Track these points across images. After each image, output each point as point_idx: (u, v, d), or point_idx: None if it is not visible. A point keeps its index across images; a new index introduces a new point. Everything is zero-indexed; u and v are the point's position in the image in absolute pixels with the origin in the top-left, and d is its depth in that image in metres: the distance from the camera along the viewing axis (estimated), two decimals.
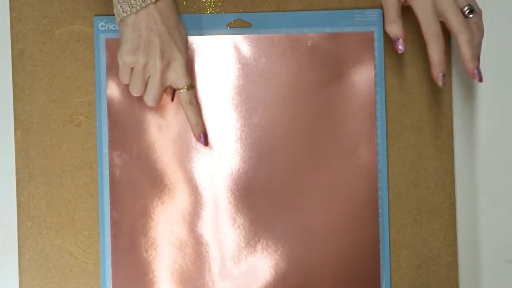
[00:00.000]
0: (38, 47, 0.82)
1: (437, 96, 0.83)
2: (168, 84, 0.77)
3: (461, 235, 0.84)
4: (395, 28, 0.76)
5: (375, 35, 0.82)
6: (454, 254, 0.82)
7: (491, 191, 0.84)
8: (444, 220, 0.82)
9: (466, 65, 0.75)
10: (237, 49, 0.82)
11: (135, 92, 0.77)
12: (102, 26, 0.82)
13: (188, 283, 0.81)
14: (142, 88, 0.76)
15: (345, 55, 0.81)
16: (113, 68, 0.81)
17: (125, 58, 0.75)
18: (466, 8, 0.75)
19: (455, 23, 0.74)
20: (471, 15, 0.75)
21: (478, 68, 0.75)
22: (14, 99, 0.82)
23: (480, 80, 0.75)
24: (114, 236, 0.81)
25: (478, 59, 0.75)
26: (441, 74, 0.75)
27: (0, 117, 0.83)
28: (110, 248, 0.81)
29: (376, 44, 0.82)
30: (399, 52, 0.77)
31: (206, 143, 0.80)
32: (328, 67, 0.82)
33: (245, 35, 0.82)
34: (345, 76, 0.82)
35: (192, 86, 0.77)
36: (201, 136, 0.80)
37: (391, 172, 0.82)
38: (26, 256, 0.81)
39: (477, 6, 0.77)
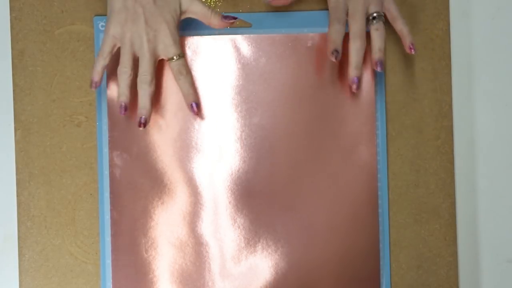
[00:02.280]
0: (38, 47, 0.82)
1: (437, 96, 0.83)
2: (159, 56, 0.77)
3: (461, 235, 0.84)
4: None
5: None
6: (454, 254, 0.82)
7: (491, 191, 0.84)
8: (444, 220, 0.82)
9: (349, 71, 0.78)
10: (237, 49, 0.82)
11: (123, 73, 0.76)
12: (102, 26, 0.82)
13: (188, 283, 0.81)
14: (131, 67, 0.76)
15: (345, 55, 0.81)
16: (113, 68, 0.81)
17: (113, 30, 0.75)
18: (374, 14, 0.77)
19: (352, 30, 0.77)
20: (374, 21, 0.77)
21: (357, 77, 0.78)
22: (14, 99, 0.82)
23: (356, 89, 0.78)
24: (114, 236, 0.81)
25: (360, 68, 0.78)
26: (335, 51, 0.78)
27: (0, 117, 0.83)
28: (110, 248, 0.81)
29: None
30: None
31: (197, 112, 0.79)
32: (328, 67, 0.82)
33: (245, 35, 0.82)
34: (345, 76, 0.82)
35: (182, 56, 0.77)
36: (193, 105, 0.79)
37: (391, 172, 0.82)
38: (26, 256, 0.81)
39: (397, 12, 0.78)
